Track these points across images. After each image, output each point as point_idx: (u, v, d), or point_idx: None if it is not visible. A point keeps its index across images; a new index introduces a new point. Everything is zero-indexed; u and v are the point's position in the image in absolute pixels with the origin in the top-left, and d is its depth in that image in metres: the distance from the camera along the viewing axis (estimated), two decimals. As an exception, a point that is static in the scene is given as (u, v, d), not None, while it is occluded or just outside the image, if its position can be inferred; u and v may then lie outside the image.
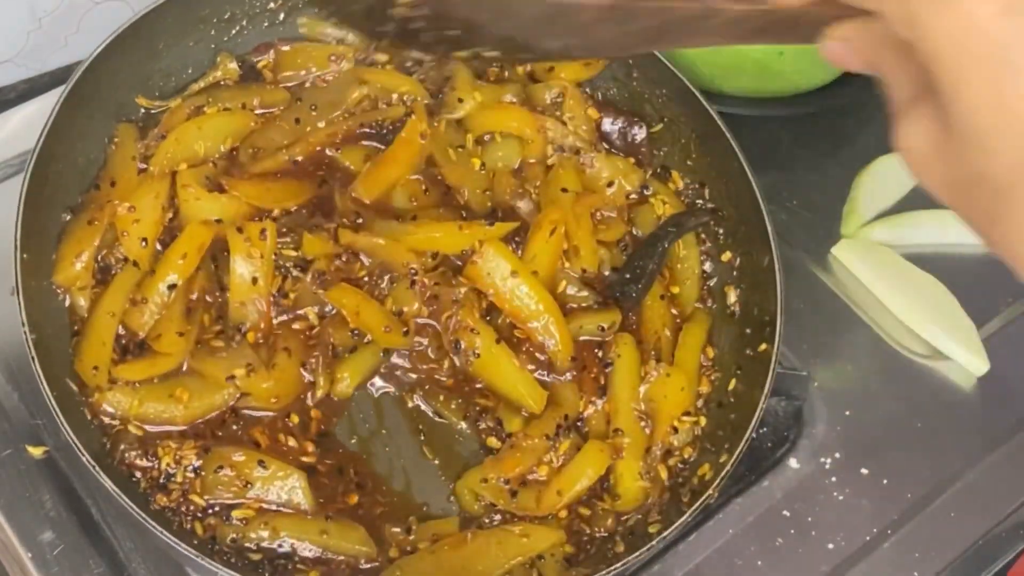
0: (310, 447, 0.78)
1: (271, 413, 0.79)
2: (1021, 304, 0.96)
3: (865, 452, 0.87)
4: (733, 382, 0.83)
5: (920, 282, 0.95)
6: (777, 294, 0.80)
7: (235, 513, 0.74)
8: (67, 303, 0.79)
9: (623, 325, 0.84)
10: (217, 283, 0.81)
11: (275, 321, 0.81)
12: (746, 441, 0.75)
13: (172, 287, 0.79)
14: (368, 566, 0.75)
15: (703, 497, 0.74)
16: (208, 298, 0.81)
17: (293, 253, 0.81)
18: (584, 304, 0.85)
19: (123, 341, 0.78)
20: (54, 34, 0.96)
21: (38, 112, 0.86)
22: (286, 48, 0.90)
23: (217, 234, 0.81)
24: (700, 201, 0.91)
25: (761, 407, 0.76)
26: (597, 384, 0.83)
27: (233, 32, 0.89)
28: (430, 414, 0.82)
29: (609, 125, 0.93)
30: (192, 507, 0.74)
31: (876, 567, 0.82)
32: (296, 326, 0.81)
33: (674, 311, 0.87)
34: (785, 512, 0.84)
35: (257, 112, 0.88)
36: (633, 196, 0.91)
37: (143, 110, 0.86)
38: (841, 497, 0.85)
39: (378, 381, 0.82)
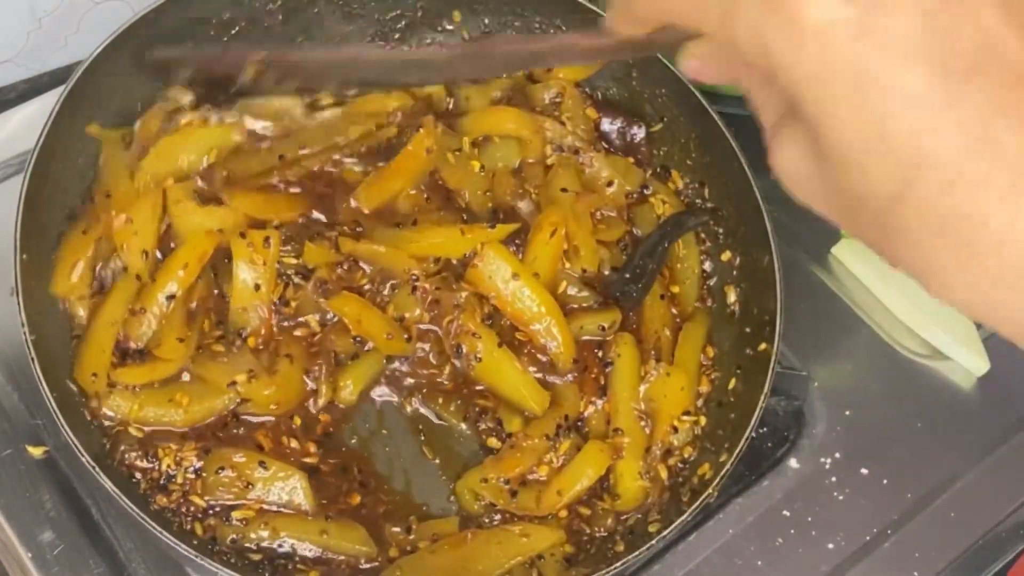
0: (312, 448, 0.79)
1: (272, 419, 0.79)
2: (1021, 304, 0.96)
3: (865, 452, 0.87)
4: (733, 382, 0.83)
5: (920, 282, 0.95)
6: (777, 294, 0.80)
7: (235, 514, 0.74)
8: (65, 309, 0.79)
9: (623, 325, 0.84)
10: (218, 290, 0.81)
11: (276, 328, 0.81)
12: (746, 441, 0.75)
13: (171, 297, 0.78)
14: (368, 566, 0.75)
15: (703, 497, 0.74)
16: (208, 304, 0.80)
17: (294, 261, 0.81)
18: (585, 304, 0.85)
19: (122, 346, 0.78)
20: (54, 34, 0.96)
21: (38, 112, 0.86)
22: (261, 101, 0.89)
23: (219, 243, 0.80)
24: (700, 201, 0.91)
25: (761, 407, 0.76)
26: (597, 384, 0.83)
27: (232, 33, 0.89)
28: (430, 417, 0.82)
29: (608, 125, 0.93)
30: (192, 508, 0.74)
31: (876, 567, 0.82)
32: (298, 333, 0.81)
33: (674, 311, 0.87)
34: (785, 512, 0.84)
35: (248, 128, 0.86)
36: (633, 196, 0.91)
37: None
38: (841, 497, 0.85)
39: (377, 387, 0.82)
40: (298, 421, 0.79)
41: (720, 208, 0.89)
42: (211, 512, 0.74)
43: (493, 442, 0.80)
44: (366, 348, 0.82)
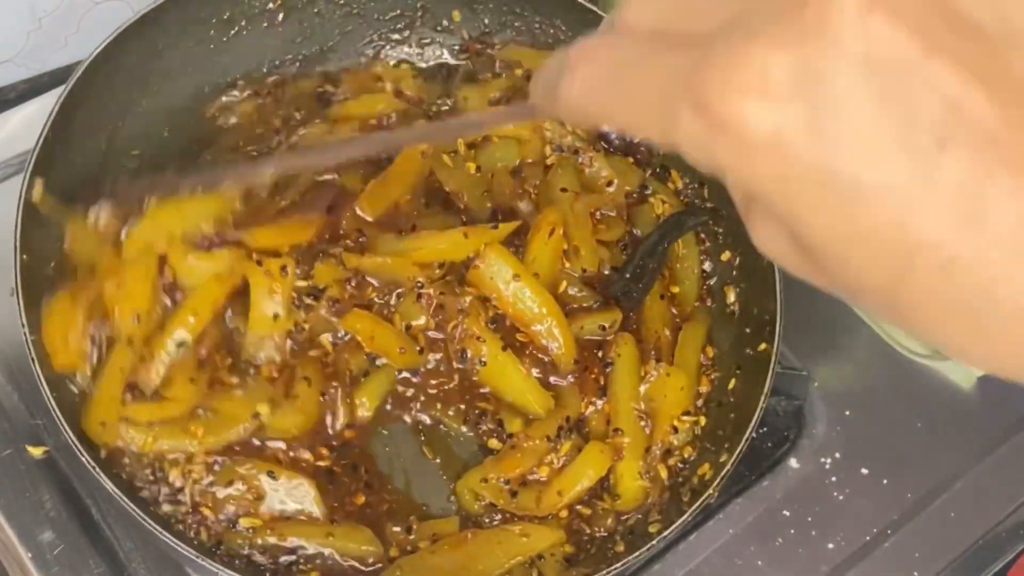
0: (325, 451, 0.78)
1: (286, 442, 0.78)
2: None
3: (865, 452, 0.87)
4: (733, 381, 0.83)
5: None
6: (777, 294, 0.80)
7: (243, 521, 0.74)
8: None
9: (623, 325, 0.84)
10: (229, 324, 0.79)
11: (290, 352, 0.80)
12: (746, 441, 0.75)
13: (182, 344, 0.76)
14: (370, 566, 0.75)
15: (703, 497, 0.74)
16: (218, 341, 0.79)
17: (304, 283, 0.80)
18: (585, 304, 0.85)
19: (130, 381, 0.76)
20: (54, 34, 0.96)
21: (38, 112, 0.86)
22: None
23: (233, 286, 0.78)
24: (700, 201, 0.91)
25: (761, 407, 0.76)
26: (597, 384, 0.83)
27: (232, 32, 0.89)
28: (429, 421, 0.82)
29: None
30: (200, 517, 0.74)
31: (876, 567, 0.82)
32: (312, 353, 0.80)
33: (674, 311, 0.87)
34: (785, 512, 0.84)
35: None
36: (633, 196, 0.91)
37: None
38: (841, 497, 0.85)
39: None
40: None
41: (720, 208, 0.89)
42: (219, 520, 0.74)
43: (494, 443, 0.80)
44: (377, 363, 0.81)
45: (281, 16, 0.91)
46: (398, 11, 0.94)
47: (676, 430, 0.81)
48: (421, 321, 0.81)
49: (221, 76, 0.90)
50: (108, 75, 0.81)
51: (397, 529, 0.76)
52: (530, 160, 0.90)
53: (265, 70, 0.92)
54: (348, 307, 0.81)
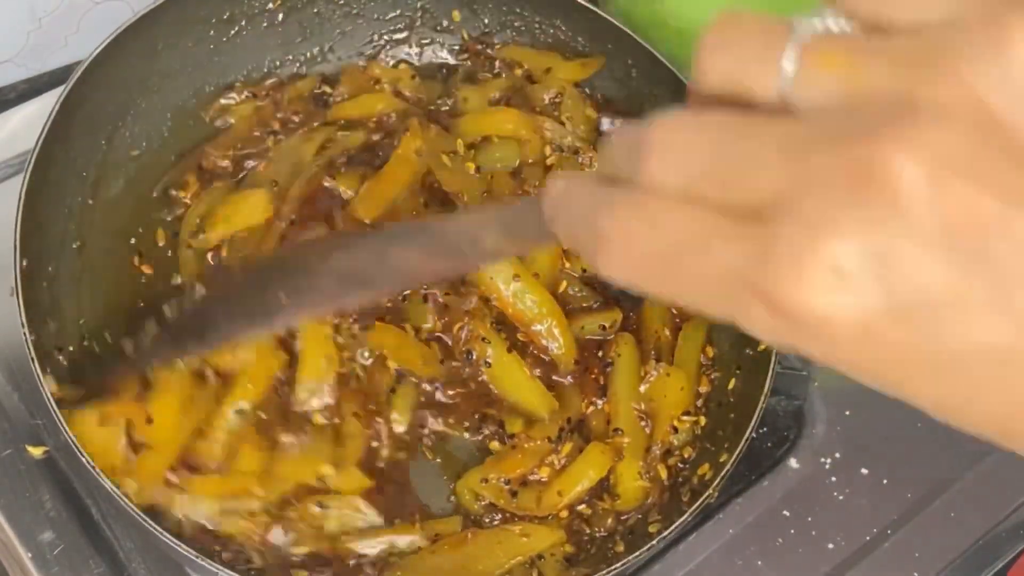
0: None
1: None
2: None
3: (865, 452, 0.87)
4: (733, 381, 0.83)
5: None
6: (777, 294, 0.80)
7: (295, 549, 0.73)
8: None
9: (623, 325, 0.84)
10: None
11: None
12: (746, 441, 0.75)
13: (241, 412, 0.74)
14: (371, 566, 0.75)
15: (703, 497, 0.74)
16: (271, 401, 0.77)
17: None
18: (585, 304, 0.85)
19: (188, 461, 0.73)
20: (54, 34, 0.96)
21: (38, 112, 0.86)
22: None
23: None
24: (700, 201, 0.91)
25: (761, 407, 0.76)
26: (597, 384, 0.83)
27: (232, 32, 0.89)
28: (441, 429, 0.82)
29: (608, 125, 0.93)
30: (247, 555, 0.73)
31: (876, 567, 0.82)
32: (352, 385, 0.79)
33: (674, 311, 0.87)
34: (785, 512, 0.84)
35: None
36: (633, 196, 0.91)
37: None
38: (841, 497, 0.85)
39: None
40: None
41: (720, 208, 0.89)
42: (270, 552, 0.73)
43: (494, 445, 0.80)
44: (401, 380, 0.81)
45: (281, 16, 0.91)
46: (398, 11, 0.94)
47: (676, 430, 0.81)
48: (429, 324, 0.81)
49: (221, 76, 0.90)
50: (108, 75, 0.81)
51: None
52: (530, 160, 0.90)
53: (265, 70, 0.92)
54: (369, 319, 0.80)
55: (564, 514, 0.78)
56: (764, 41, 0.32)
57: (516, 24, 0.94)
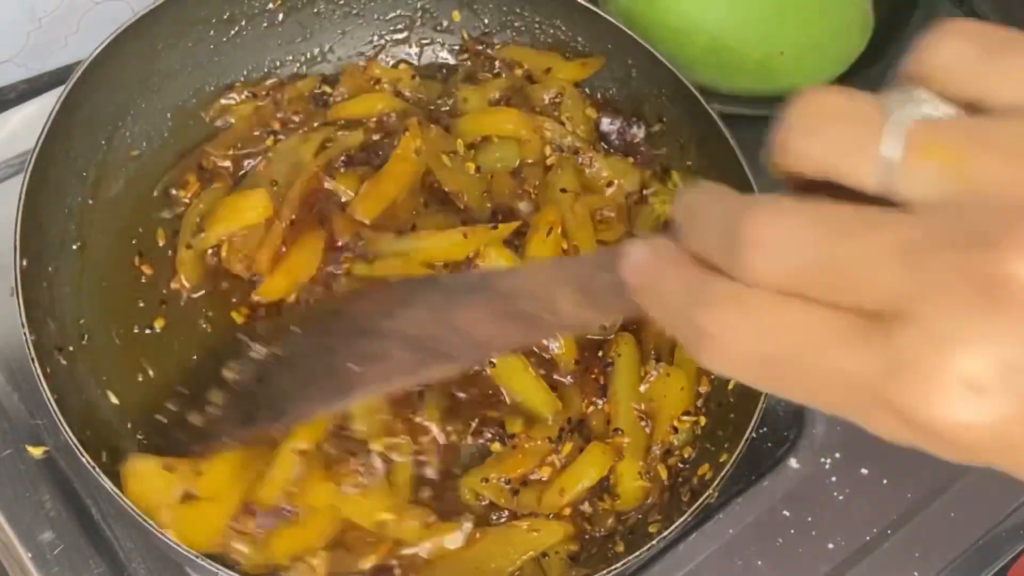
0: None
1: None
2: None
3: (865, 452, 0.87)
4: (733, 382, 0.83)
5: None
6: (777, 294, 0.80)
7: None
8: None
9: (623, 325, 0.84)
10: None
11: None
12: (746, 441, 0.75)
13: (302, 451, 0.73)
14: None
15: (703, 497, 0.74)
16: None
17: None
18: (585, 304, 0.85)
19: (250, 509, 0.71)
20: (54, 34, 0.96)
21: (38, 112, 0.86)
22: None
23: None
24: (700, 201, 0.91)
25: (761, 407, 0.76)
26: (598, 384, 0.83)
27: (232, 32, 0.89)
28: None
29: (608, 125, 0.93)
30: None
31: (876, 567, 0.82)
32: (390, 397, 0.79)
33: (674, 311, 0.87)
34: (785, 512, 0.84)
35: None
36: (633, 196, 0.91)
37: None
38: (841, 497, 0.85)
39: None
40: None
41: (720, 208, 0.89)
42: None
43: (495, 447, 0.80)
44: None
45: (281, 16, 0.91)
46: (398, 11, 0.94)
47: (676, 430, 0.81)
48: None
49: (221, 76, 0.90)
50: (108, 75, 0.81)
51: None
52: (530, 160, 0.90)
53: (265, 70, 0.92)
54: None
55: (567, 512, 0.78)
56: (858, 126, 0.30)
57: (516, 24, 0.95)
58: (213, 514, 0.70)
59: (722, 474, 0.75)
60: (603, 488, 0.80)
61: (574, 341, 0.82)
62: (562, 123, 0.91)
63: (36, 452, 0.78)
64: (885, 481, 0.86)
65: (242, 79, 0.91)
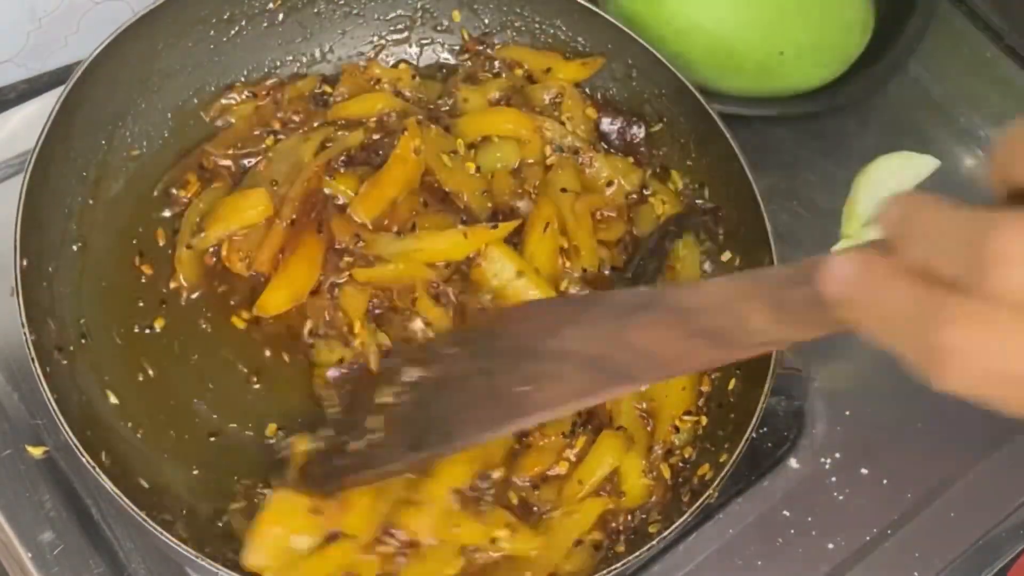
0: None
1: None
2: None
3: (865, 452, 0.87)
4: (733, 382, 0.83)
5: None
6: (777, 294, 0.80)
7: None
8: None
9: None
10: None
11: None
12: (746, 441, 0.75)
13: (457, 491, 0.73)
14: None
15: (703, 497, 0.74)
16: None
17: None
18: (585, 303, 0.85)
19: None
20: (54, 34, 0.96)
21: (38, 112, 0.86)
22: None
23: None
24: (700, 201, 0.91)
25: (761, 407, 0.76)
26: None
27: (232, 32, 0.89)
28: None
29: (608, 125, 0.93)
30: None
31: (876, 567, 0.82)
32: None
33: (674, 311, 0.87)
34: (785, 512, 0.84)
35: None
36: (633, 196, 0.91)
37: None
38: (841, 497, 0.85)
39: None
40: None
41: (720, 208, 0.89)
42: None
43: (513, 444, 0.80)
44: None
45: (281, 16, 0.91)
46: (398, 11, 0.94)
47: (677, 430, 0.81)
48: (444, 324, 0.81)
49: (221, 76, 0.90)
50: (108, 75, 0.81)
51: None
52: (530, 160, 0.90)
53: (265, 70, 0.92)
54: (385, 316, 0.81)
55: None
56: None
57: (516, 24, 0.95)
58: (344, 552, 0.69)
59: (722, 474, 0.75)
60: (609, 490, 0.80)
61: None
62: (562, 123, 0.91)
63: (36, 452, 0.78)
64: (885, 481, 0.86)
65: (242, 79, 0.91)
